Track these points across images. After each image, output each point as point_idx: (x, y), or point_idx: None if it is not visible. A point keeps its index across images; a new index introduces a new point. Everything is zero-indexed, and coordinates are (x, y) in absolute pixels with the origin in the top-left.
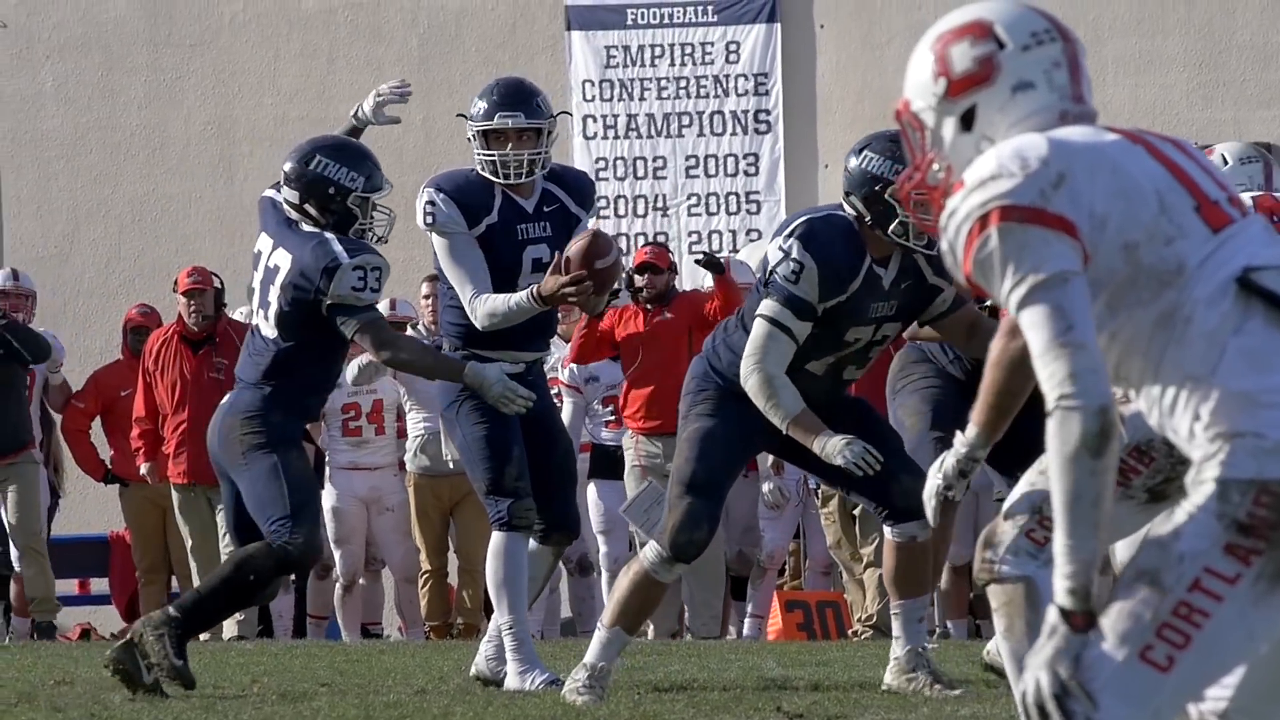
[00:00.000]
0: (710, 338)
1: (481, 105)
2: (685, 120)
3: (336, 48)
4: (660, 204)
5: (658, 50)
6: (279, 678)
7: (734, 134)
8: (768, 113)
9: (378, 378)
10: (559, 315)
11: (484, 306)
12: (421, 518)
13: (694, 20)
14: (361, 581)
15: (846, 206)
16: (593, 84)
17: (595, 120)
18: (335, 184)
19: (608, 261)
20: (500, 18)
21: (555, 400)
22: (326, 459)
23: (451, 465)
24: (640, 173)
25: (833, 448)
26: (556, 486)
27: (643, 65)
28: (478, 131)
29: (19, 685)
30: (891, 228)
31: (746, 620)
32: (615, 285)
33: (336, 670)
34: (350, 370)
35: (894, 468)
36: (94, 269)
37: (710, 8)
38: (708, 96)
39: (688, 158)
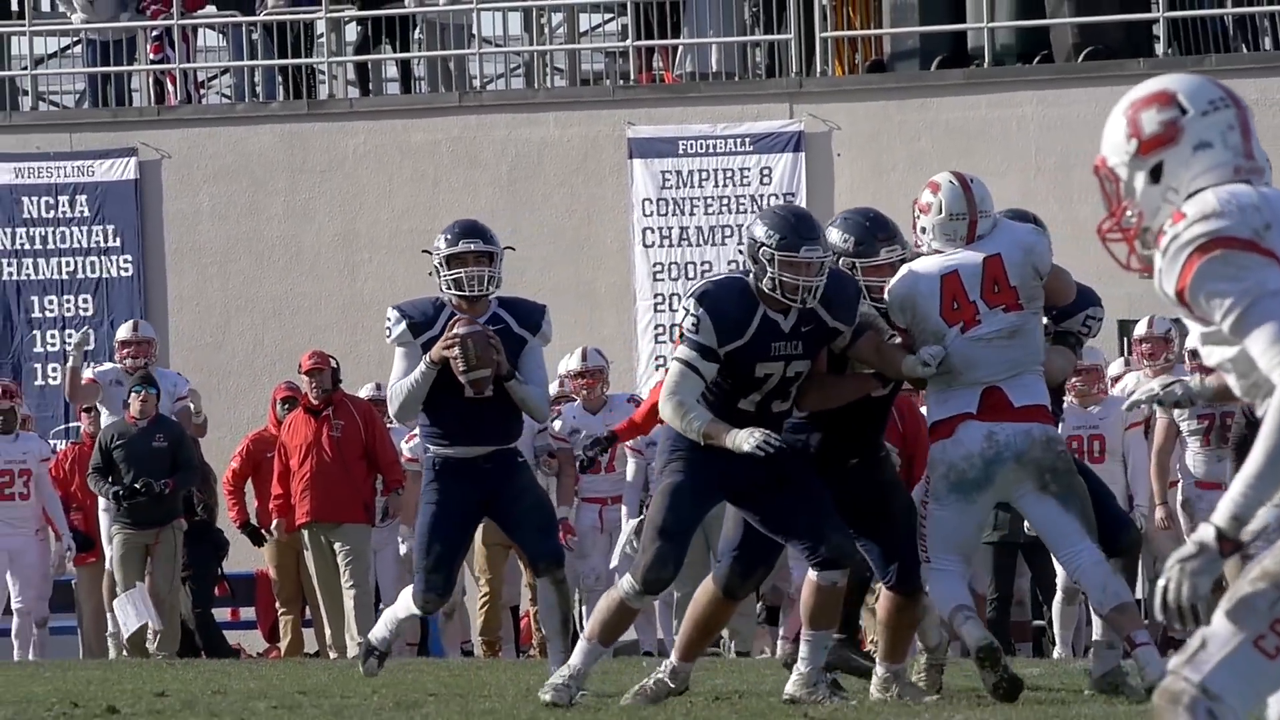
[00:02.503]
0: None
1: (444, 238)
2: (727, 231)
3: (440, 173)
4: None
5: (704, 174)
6: (394, 689)
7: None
8: None
9: None
10: (518, 418)
11: (394, 393)
12: (489, 549)
13: (734, 150)
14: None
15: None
16: (650, 201)
17: (653, 232)
18: None
19: (466, 331)
20: (575, 148)
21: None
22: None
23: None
24: (691, 275)
25: (741, 439)
26: (533, 525)
27: (692, 186)
28: (443, 258)
29: (182, 695)
30: (765, 282)
31: (779, 643)
32: (484, 367)
33: (441, 683)
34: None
35: (827, 524)
36: (242, 355)
37: (747, 139)
38: (745, 212)
39: (729, 262)
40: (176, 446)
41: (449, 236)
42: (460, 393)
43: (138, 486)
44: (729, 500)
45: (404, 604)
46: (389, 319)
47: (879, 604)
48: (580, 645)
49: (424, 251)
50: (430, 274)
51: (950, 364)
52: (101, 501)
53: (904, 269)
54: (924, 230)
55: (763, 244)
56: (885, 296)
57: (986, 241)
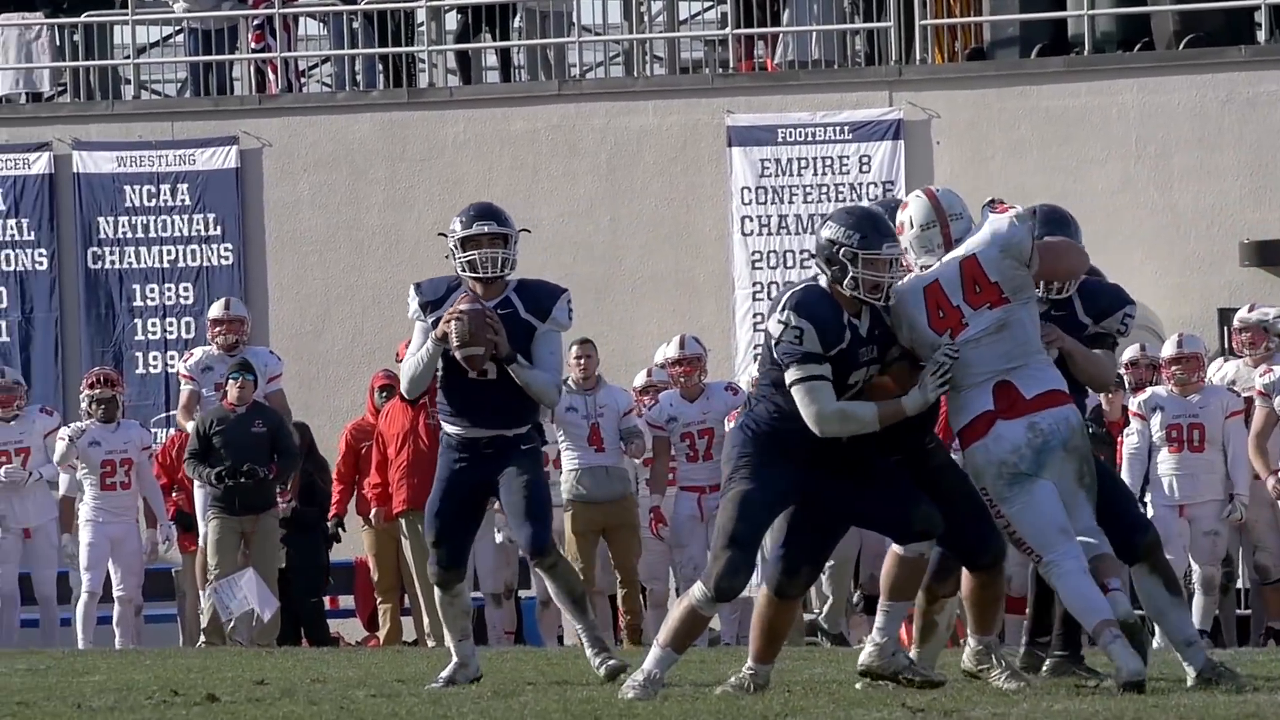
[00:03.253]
0: (743, 410)
1: (459, 220)
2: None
3: (540, 161)
4: None
5: (803, 162)
6: (492, 678)
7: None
8: None
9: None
10: (525, 404)
11: (404, 368)
12: (578, 538)
13: (833, 138)
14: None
15: (818, 272)
16: (749, 190)
17: (751, 220)
18: None
19: (464, 308)
20: (674, 136)
21: None
22: None
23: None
24: (789, 263)
25: (920, 390)
26: (519, 513)
27: (791, 175)
28: (458, 240)
29: (282, 683)
30: (845, 283)
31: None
32: (476, 345)
33: (539, 671)
34: None
35: (910, 497)
36: (342, 343)
37: (846, 128)
38: (844, 200)
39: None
40: (276, 433)
41: (463, 219)
42: (465, 373)
43: (243, 470)
44: (801, 505)
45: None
46: (409, 296)
47: (963, 582)
48: (654, 651)
49: (440, 234)
50: (446, 256)
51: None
52: (198, 490)
53: (894, 289)
54: (908, 250)
55: (842, 244)
56: (884, 293)
57: (965, 244)
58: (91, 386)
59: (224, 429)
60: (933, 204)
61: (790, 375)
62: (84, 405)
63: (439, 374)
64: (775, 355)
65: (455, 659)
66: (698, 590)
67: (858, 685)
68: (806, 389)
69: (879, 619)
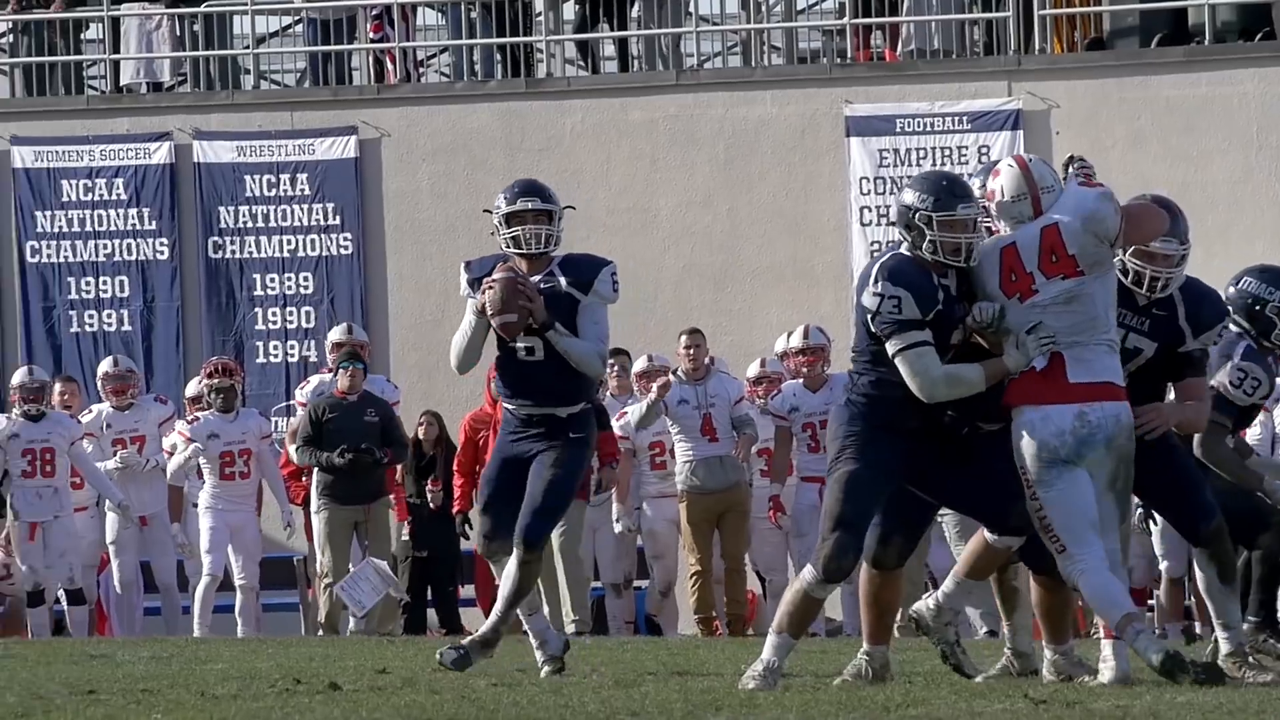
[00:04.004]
0: (846, 388)
1: (504, 196)
2: None
3: (657, 151)
4: None
5: (921, 152)
6: (613, 668)
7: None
8: None
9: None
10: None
11: (453, 343)
12: (694, 528)
13: (951, 128)
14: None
15: (901, 239)
16: (868, 180)
17: (870, 210)
18: None
19: (498, 277)
20: (792, 126)
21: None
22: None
23: None
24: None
25: (1018, 350)
26: (529, 499)
27: (909, 165)
28: (502, 215)
29: (403, 672)
30: (924, 247)
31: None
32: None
33: (660, 662)
34: (635, 414)
35: (1010, 494)
36: None
37: (965, 118)
38: None
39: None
40: (387, 423)
41: (508, 195)
42: (515, 352)
43: (362, 449)
44: (907, 482)
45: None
46: (460, 274)
47: (1032, 593)
48: (770, 638)
49: (485, 211)
50: (491, 233)
51: (1009, 326)
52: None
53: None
54: (996, 219)
55: (918, 209)
56: (965, 255)
57: (1050, 212)
58: (210, 376)
59: (336, 415)
60: (1024, 174)
61: (893, 345)
62: (203, 394)
63: (497, 355)
64: (874, 327)
65: (533, 641)
66: (808, 573)
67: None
68: (913, 356)
69: (948, 584)
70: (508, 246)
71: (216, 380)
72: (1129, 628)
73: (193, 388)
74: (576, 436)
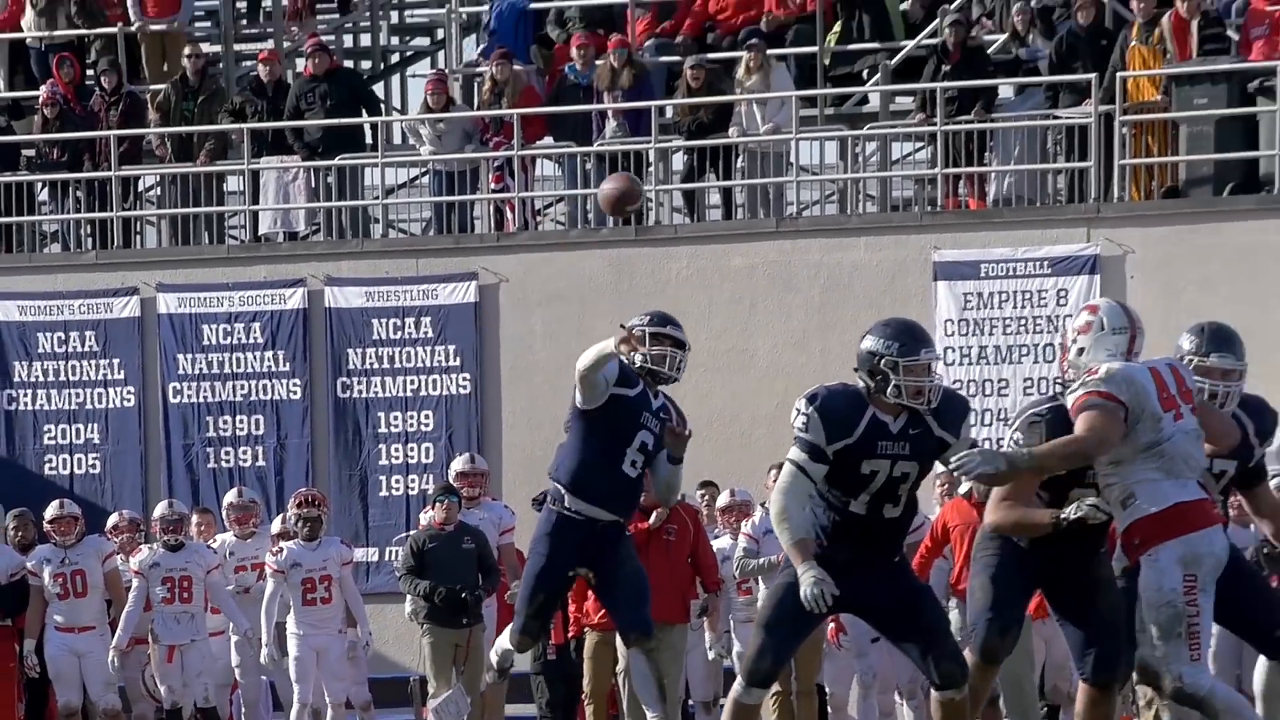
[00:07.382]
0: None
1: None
2: (1024, 350)
3: (756, 295)
4: (1003, 416)
5: (1004, 296)
6: None
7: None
8: None
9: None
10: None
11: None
12: None
13: (1032, 273)
14: None
15: (858, 380)
16: (953, 322)
17: (954, 350)
18: None
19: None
20: (883, 271)
21: None
22: None
23: None
24: (988, 392)
25: (804, 578)
26: (628, 596)
27: (992, 308)
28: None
29: None
30: (889, 391)
31: None
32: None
33: None
34: (740, 568)
35: (929, 643)
36: None
37: (1045, 263)
38: (1042, 332)
39: (1024, 379)
40: (483, 551)
41: (655, 317)
42: (621, 463)
43: (458, 589)
44: (1045, 595)
45: (502, 640)
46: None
47: (1078, 700)
48: None
49: (620, 325)
50: (617, 347)
51: (1170, 453)
52: (408, 604)
53: (1111, 371)
54: (1081, 351)
55: (882, 355)
56: (926, 397)
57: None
58: (299, 506)
59: (435, 546)
60: (1127, 312)
61: (789, 455)
62: (291, 524)
63: (582, 460)
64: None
65: None
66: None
67: None
68: (790, 473)
69: None
70: (644, 361)
71: (305, 510)
72: None
73: (277, 525)
74: (627, 534)
